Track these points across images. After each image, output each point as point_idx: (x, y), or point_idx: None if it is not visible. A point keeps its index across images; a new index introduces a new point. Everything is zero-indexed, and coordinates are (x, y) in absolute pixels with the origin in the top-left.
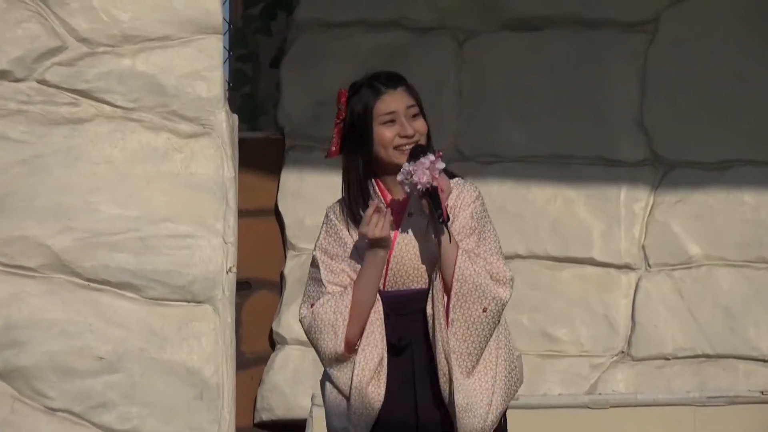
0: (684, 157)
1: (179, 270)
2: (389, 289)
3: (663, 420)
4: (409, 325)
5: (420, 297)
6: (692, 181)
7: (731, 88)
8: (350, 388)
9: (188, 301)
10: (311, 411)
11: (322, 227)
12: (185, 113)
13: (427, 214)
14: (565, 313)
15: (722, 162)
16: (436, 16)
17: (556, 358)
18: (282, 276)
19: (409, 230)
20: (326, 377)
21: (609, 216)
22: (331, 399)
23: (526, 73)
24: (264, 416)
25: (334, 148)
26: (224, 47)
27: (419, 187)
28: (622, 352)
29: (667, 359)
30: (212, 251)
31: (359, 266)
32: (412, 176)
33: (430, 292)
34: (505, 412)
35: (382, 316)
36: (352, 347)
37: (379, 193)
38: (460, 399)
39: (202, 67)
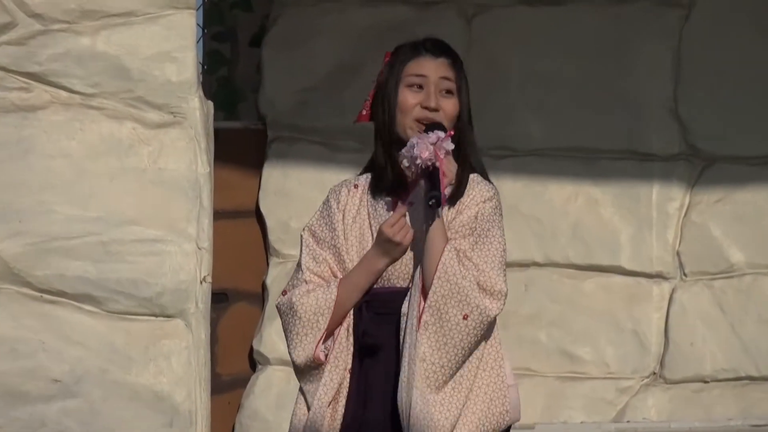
0: (725, 151)
1: (146, 280)
2: (377, 287)
3: None
4: (384, 326)
5: (403, 296)
6: (734, 177)
7: None
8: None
9: (156, 316)
10: None
11: (319, 207)
12: (153, 100)
13: (421, 196)
14: (589, 329)
15: None
16: None
17: (578, 381)
18: (264, 286)
19: (408, 222)
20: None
21: (639, 218)
22: (299, 415)
23: (545, 54)
24: None
25: (364, 112)
26: (197, 24)
27: (418, 162)
28: (654, 373)
29: (706, 382)
30: (184, 258)
31: (345, 259)
32: (413, 149)
33: (409, 289)
34: None
35: (351, 322)
36: (322, 353)
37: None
38: (416, 412)
39: (171, 47)
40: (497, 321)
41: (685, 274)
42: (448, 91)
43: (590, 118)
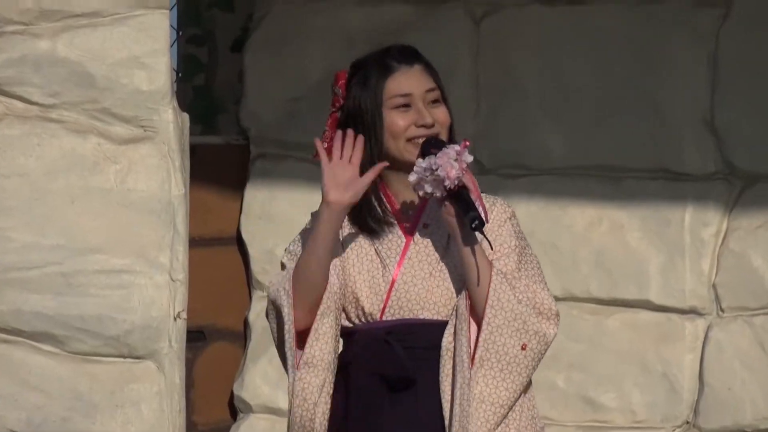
0: (767, 169)
1: (113, 316)
2: (389, 318)
3: None
4: (417, 362)
5: (432, 329)
6: None
7: None
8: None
9: (124, 357)
10: None
11: (300, 233)
12: (120, 112)
13: (453, 219)
14: (613, 372)
15: None
16: None
17: (602, 431)
18: (246, 323)
19: (423, 245)
20: None
21: (670, 246)
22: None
23: (564, 59)
24: None
25: (325, 144)
26: (171, 26)
27: (447, 183)
28: (687, 422)
29: (746, 431)
30: (156, 291)
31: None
32: (435, 171)
33: (452, 321)
34: None
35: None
36: (303, 338)
37: (384, 199)
38: None
39: (142, 52)
40: None
41: (722, 310)
42: (435, 101)
43: (616, 133)
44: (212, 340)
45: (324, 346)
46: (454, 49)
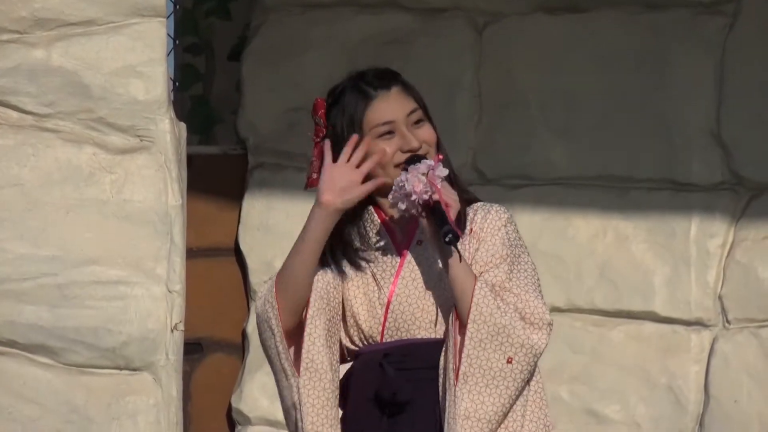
0: None
1: (109, 327)
2: (388, 340)
3: None
4: (415, 383)
5: (429, 348)
6: None
7: None
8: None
9: (121, 369)
10: None
11: None
12: (116, 121)
13: (429, 234)
14: (617, 385)
15: None
16: None
17: None
18: (244, 335)
19: (417, 262)
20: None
21: (675, 257)
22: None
23: (567, 69)
24: None
25: (315, 175)
26: (168, 34)
27: (414, 198)
28: None
29: None
30: (152, 303)
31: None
32: (404, 187)
33: (446, 340)
34: None
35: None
36: (290, 342)
37: (379, 222)
38: None
39: (138, 61)
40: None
41: (728, 321)
42: (418, 121)
43: (620, 143)
44: (210, 352)
45: (321, 348)
46: (455, 58)
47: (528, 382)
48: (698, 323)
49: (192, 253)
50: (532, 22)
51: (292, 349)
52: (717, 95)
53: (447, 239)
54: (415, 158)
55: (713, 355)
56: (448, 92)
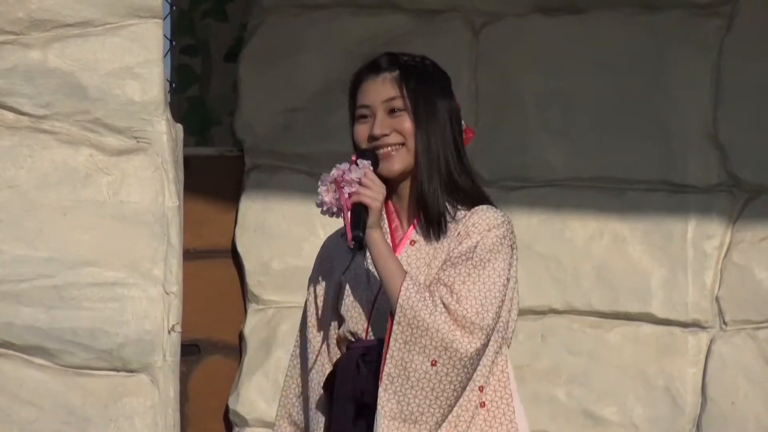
0: None
1: (106, 329)
2: (371, 338)
3: None
4: (376, 382)
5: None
6: None
7: None
8: None
9: (118, 370)
10: None
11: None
12: (113, 123)
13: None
14: (614, 386)
15: None
16: None
17: None
18: (241, 337)
19: (407, 263)
20: None
21: (672, 258)
22: None
23: (564, 70)
24: None
25: None
26: (165, 36)
27: (326, 209)
28: None
29: None
30: (149, 304)
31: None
32: (319, 194)
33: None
34: None
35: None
36: None
37: (385, 218)
38: None
39: (135, 62)
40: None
41: (725, 323)
42: (393, 110)
43: (617, 144)
44: (207, 354)
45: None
46: (452, 59)
47: (465, 386)
48: (695, 325)
49: (189, 255)
50: (529, 24)
51: None
52: (714, 97)
53: (351, 245)
54: (362, 153)
55: (710, 357)
56: None
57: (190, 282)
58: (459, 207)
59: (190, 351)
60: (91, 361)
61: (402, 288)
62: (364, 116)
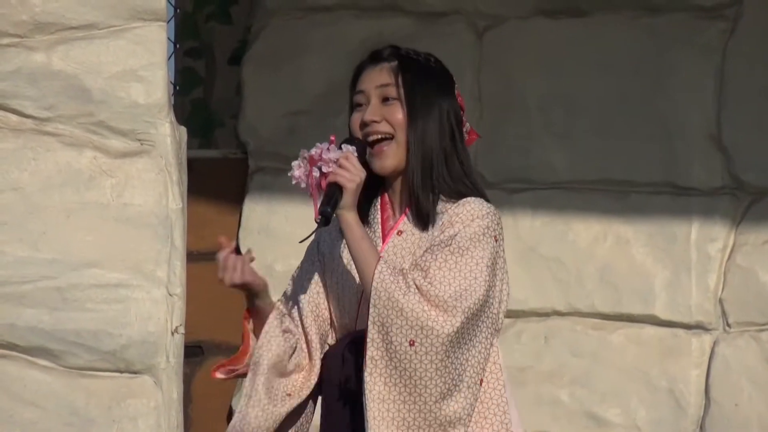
0: None
1: (109, 330)
2: (360, 329)
3: None
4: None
5: None
6: None
7: None
8: None
9: (121, 372)
10: None
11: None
12: (117, 125)
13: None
14: (617, 388)
15: None
16: None
17: None
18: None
19: (393, 253)
20: None
21: (675, 261)
22: None
23: (568, 73)
24: None
25: None
26: (168, 38)
27: (294, 183)
28: None
29: None
30: (153, 306)
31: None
32: (292, 170)
33: None
34: None
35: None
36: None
37: (380, 210)
38: None
39: (139, 65)
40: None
41: (728, 325)
42: (386, 99)
43: (620, 147)
44: (210, 355)
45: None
46: (456, 62)
47: (449, 365)
48: (699, 327)
49: (192, 257)
50: (532, 26)
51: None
52: (717, 99)
53: (317, 221)
54: (349, 140)
55: (714, 359)
56: None
57: (193, 284)
58: (449, 200)
59: (194, 352)
60: (94, 363)
61: (376, 271)
62: (360, 104)
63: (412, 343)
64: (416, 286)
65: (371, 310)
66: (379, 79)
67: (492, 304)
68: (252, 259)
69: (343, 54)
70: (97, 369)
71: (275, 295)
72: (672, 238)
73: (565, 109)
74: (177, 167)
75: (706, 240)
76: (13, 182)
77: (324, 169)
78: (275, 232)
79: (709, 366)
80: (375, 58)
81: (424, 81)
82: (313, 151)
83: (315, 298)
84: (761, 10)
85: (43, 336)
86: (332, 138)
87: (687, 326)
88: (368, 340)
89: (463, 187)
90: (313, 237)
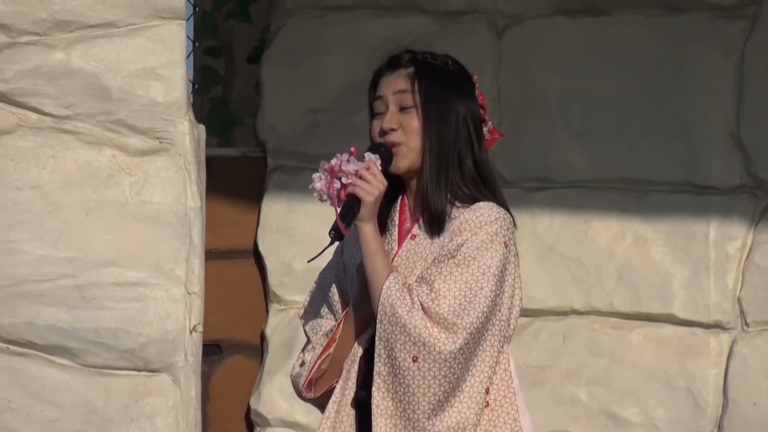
0: None
1: (128, 329)
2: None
3: None
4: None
5: None
6: None
7: None
8: None
9: (140, 370)
10: None
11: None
12: (136, 123)
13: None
14: (636, 387)
15: None
16: None
17: None
18: (263, 337)
19: (406, 257)
20: None
21: (694, 260)
22: None
23: (587, 71)
24: None
25: None
26: (188, 37)
27: (315, 195)
28: None
29: None
30: (171, 304)
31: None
32: (313, 182)
33: None
34: None
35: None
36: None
37: (399, 212)
38: None
39: (158, 63)
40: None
41: (747, 324)
42: (404, 107)
43: (639, 146)
44: (229, 354)
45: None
46: (475, 61)
47: (452, 381)
48: (717, 326)
49: (211, 255)
50: (551, 25)
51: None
52: (736, 98)
53: (331, 234)
54: (374, 147)
55: (732, 358)
56: None
57: (211, 282)
58: (462, 205)
59: (212, 351)
60: (113, 361)
61: (384, 286)
62: (379, 113)
63: (414, 359)
64: (420, 303)
65: (378, 326)
66: (396, 85)
67: (501, 311)
68: None
69: (362, 53)
70: (115, 367)
71: (299, 295)
72: (691, 237)
73: (584, 108)
74: (196, 165)
75: (724, 239)
76: (32, 180)
77: (344, 181)
78: (294, 231)
79: (727, 365)
80: (393, 64)
81: (441, 87)
82: (333, 162)
83: (332, 305)
84: None
85: (61, 334)
86: (352, 150)
87: (705, 325)
88: (376, 355)
89: (478, 191)
90: (332, 247)
